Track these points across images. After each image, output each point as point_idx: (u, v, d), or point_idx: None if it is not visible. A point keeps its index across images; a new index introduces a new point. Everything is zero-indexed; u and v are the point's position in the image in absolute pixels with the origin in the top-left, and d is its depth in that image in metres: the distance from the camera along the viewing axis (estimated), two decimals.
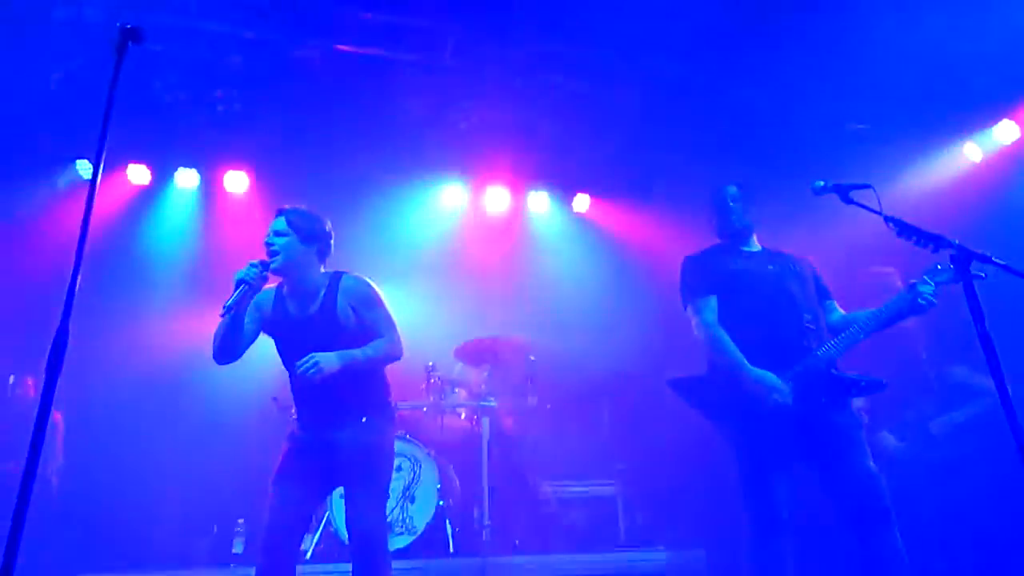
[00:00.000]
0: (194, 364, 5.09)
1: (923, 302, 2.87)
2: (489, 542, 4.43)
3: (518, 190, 6.51)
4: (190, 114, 5.20)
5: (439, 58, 4.90)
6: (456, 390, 5.19)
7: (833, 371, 2.88)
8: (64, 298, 1.64)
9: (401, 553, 4.16)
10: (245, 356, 2.94)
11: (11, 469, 4.51)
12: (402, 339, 2.98)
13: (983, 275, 2.23)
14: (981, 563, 3.63)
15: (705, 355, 3.04)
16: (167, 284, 5.83)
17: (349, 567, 2.77)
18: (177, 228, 6.02)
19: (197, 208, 6.04)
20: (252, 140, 5.58)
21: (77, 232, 1.71)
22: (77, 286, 1.66)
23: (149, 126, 5.14)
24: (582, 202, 6.56)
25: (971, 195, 5.20)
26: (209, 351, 2.89)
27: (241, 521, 4.78)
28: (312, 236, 2.94)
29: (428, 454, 4.56)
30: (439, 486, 4.44)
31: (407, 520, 4.33)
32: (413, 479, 4.47)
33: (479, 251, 6.46)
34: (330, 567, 4.06)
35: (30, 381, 5.39)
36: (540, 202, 6.61)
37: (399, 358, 2.97)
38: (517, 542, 4.74)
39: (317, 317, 2.90)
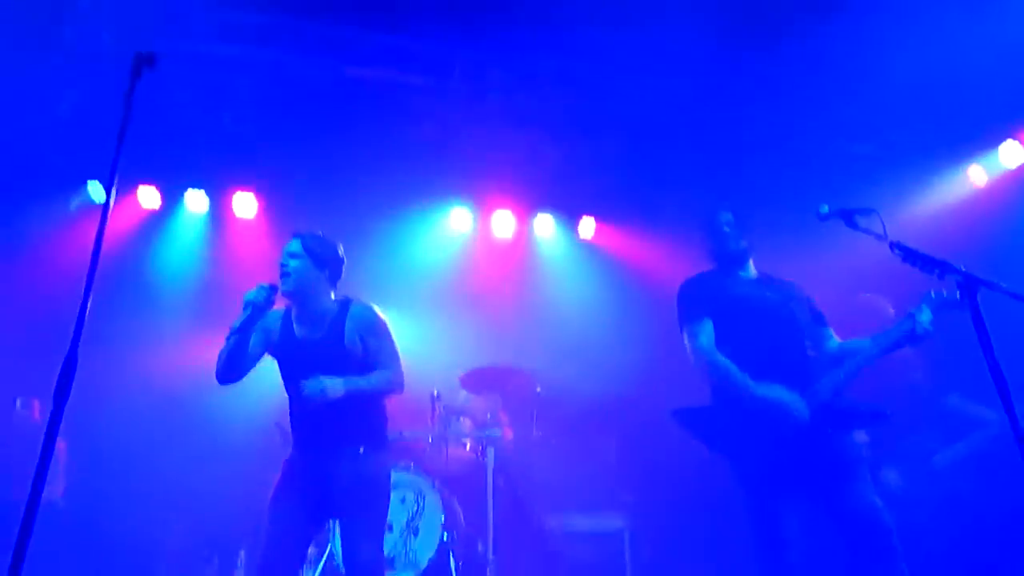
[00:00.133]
0: (199, 388, 5.06)
1: (921, 331, 2.85)
2: None
3: (524, 214, 6.51)
4: (200, 136, 5.25)
5: (446, 82, 4.97)
6: (461, 419, 5.14)
7: (836, 402, 2.84)
8: (74, 324, 1.64)
9: None
10: (251, 381, 2.94)
11: (13, 496, 4.47)
12: (406, 368, 2.98)
13: (966, 306, 2.19)
14: None
15: (707, 382, 3.01)
16: (175, 306, 5.84)
17: None
18: (186, 250, 6.04)
19: (206, 230, 6.07)
20: (261, 163, 5.62)
21: (87, 253, 1.71)
22: (87, 312, 1.66)
23: (159, 148, 5.17)
24: (588, 227, 6.56)
25: (976, 219, 5.19)
26: (213, 375, 2.90)
27: (242, 554, 4.72)
28: (325, 261, 2.97)
29: (432, 485, 4.50)
30: (443, 519, 4.36)
31: (410, 554, 4.25)
32: (417, 511, 4.40)
33: (485, 276, 6.45)
34: None
35: (36, 404, 5.37)
36: (546, 226, 6.61)
37: (400, 392, 2.97)
38: None
39: (323, 342, 2.90)
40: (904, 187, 5.30)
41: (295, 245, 2.96)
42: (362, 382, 2.83)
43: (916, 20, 4.06)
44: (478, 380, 5.42)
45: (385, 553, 3.32)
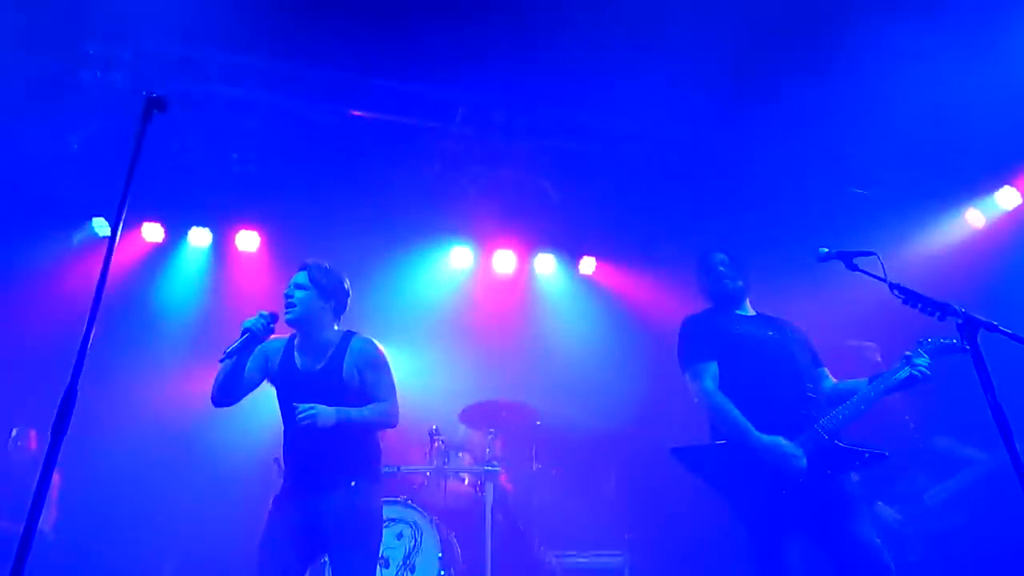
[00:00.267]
0: (196, 421, 5.05)
1: (918, 374, 2.87)
2: None
3: (525, 253, 6.57)
4: (205, 174, 5.34)
5: (449, 124, 5.06)
6: (460, 454, 5.10)
7: (837, 442, 2.84)
8: (75, 359, 1.65)
9: None
10: (250, 414, 2.94)
11: (7, 528, 4.42)
12: (406, 402, 2.98)
13: (967, 348, 2.20)
14: None
15: (708, 422, 3.00)
16: (175, 342, 5.84)
17: None
18: (188, 286, 6.07)
19: (208, 267, 6.12)
20: (265, 201, 5.70)
21: (88, 287, 1.73)
22: (89, 347, 1.67)
23: (165, 185, 5.25)
24: (588, 265, 6.61)
25: (974, 261, 5.22)
26: (212, 409, 2.89)
27: None
28: (331, 292, 3.01)
29: (430, 521, 4.44)
30: (441, 555, 4.30)
31: None
32: (414, 547, 4.34)
33: (485, 313, 6.46)
34: None
35: (33, 434, 5.34)
36: (547, 265, 6.66)
37: (394, 425, 2.97)
38: None
39: (322, 373, 2.92)
40: (903, 229, 5.35)
41: (302, 276, 3.01)
42: (354, 413, 2.84)
43: (914, 68, 4.17)
44: (477, 415, 5.39)
45: None
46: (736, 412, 2.88)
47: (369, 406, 2.89)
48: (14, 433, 5.30)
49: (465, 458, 5.11)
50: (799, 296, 4.07)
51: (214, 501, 5.22)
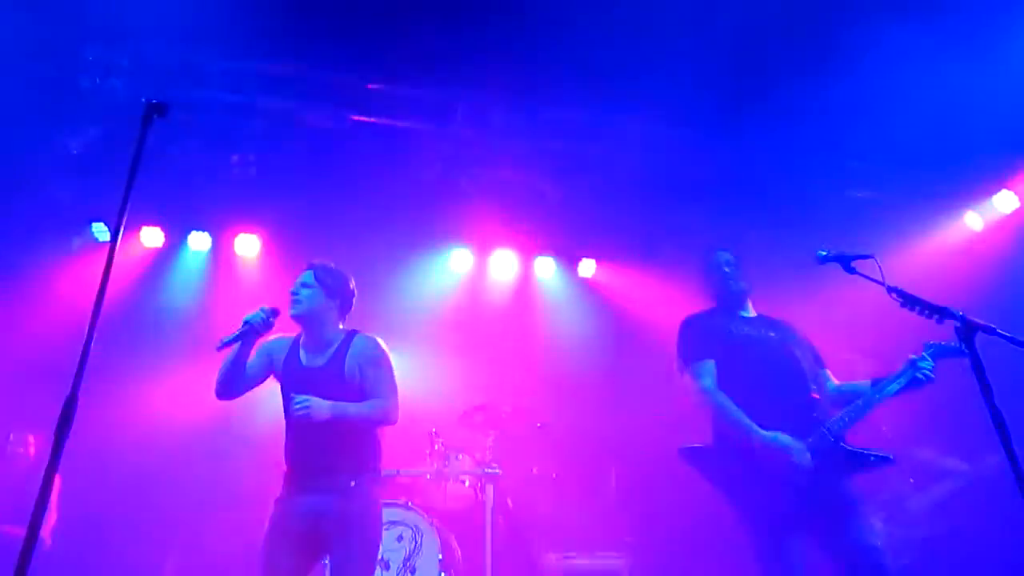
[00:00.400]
0: (198, 427, 5.05)
1: (922, 377, 2.88)
2: None
3: (525, 255, 6.57)
4: (205, 178, 5.34)
5: (449, 126, 5.07)
6: (460, 456, 5.10)
7: (843, 445, 2.84)
8: (76, 364, 1.65)
9: None
10: (250, 420, 2.95)
11: (7, 531, 4.42)
12: (406, 404, 2.99)
13: (966, 353, 2.21)
14: None
15: (710, 422, 3.00)
16: (175, 346, 5.84)
17: None
18: (188, 290, 6.07)
19: (208, 271, 6.12)
20: (264, 204, 5.70)
21: (88, 292, 1.74)
22: (89, 352, 1.68)
23: (164, 189, 5.25)
24: (588, 267, 6.61)
25: (972, 264, 5.24)
26: (213, 413, 2.90)
27: None
28: (335, 291, 3.05)
29: (430, 523, 4.45)
30: (441, 557, 4.30)
31: None
32: (414, 549, 4.34)
33: (485, 316, 6.47)
34: None
35: (31, 439, 5.33)
36: (546, 267, 6.66)
37: (393, 423, 2.98)
38: None
39: (324, 370, 2.94)
40: (902, 232, 5.37)
41: (308, 276, 3.06)
42: (351, 408, 2.85)
43: (913, 71, 4.19)
44: (477, 418, 5.38)
45: None
46: (736, 409, 2.89)
47: (367, 402, 2.90)
48: (11, 438, 5.29)
49: (465, 460, 5.11)
50: (797, 299, 4.08)
51: (214, 505, 5.21)
